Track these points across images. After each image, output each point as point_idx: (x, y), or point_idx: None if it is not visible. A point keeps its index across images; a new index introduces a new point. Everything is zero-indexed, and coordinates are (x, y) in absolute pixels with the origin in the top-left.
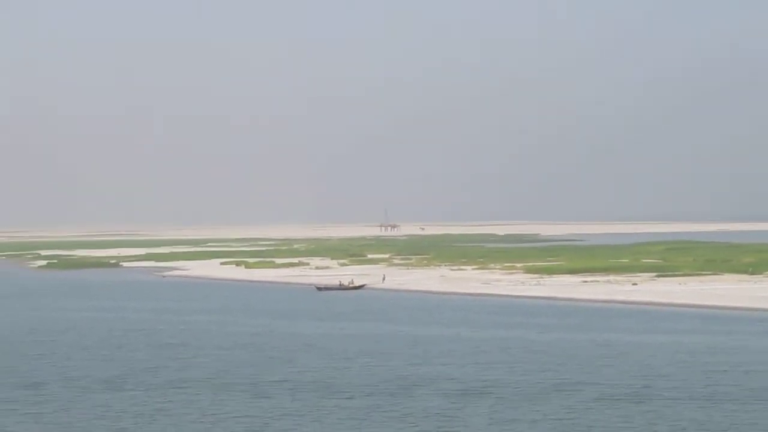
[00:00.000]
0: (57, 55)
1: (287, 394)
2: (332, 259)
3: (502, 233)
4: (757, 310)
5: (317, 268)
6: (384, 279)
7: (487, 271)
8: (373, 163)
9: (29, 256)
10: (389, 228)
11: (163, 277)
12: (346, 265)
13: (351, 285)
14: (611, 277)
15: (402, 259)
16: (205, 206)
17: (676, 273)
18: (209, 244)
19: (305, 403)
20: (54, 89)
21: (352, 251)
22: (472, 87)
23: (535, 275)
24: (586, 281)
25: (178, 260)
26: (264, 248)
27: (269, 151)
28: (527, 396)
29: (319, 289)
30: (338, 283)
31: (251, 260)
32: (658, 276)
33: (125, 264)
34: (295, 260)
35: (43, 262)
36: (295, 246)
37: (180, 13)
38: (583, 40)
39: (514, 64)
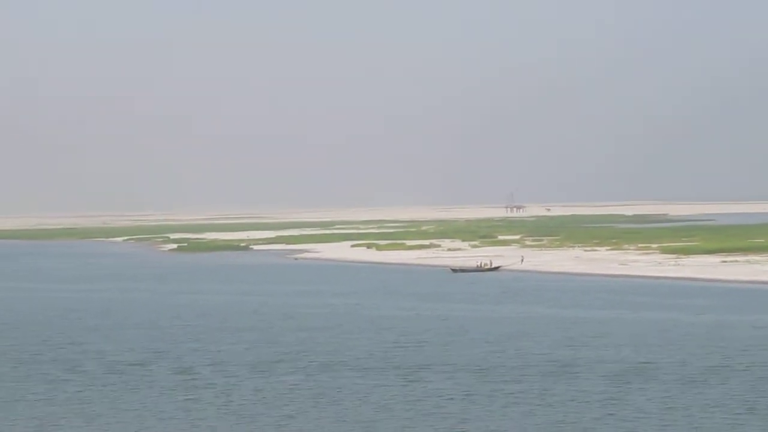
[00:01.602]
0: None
1: (444, 378)
2: (463, 240)
3: (630, 213)
4: None
5: (449, 249)
6: (522, 260)
7: (621, 251)
8: (496, 145)
9: (158, 239)
10: (515, 209)
11: (296, 259)
12: (478, 246)
13: (486, 266)
14: (750, 257)
15: (533, 240)
16: (328, 189)
17: None
18: (336, 226)
19: (465, 387)
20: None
21: (482, 232)
22: (588, 68)
23: (672, 256)
24: (725, 261)
25: (307, 243)
26: (392, 230)
27: (392, 134)
28: (695, 379)
29: (454, 270)
30: (477, 264)
31: (382, 242)
32: None
33: (256, 247)
34: (426, 242)
35: (174, 246)
36: (424, 228)
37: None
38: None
39: (624, 42)
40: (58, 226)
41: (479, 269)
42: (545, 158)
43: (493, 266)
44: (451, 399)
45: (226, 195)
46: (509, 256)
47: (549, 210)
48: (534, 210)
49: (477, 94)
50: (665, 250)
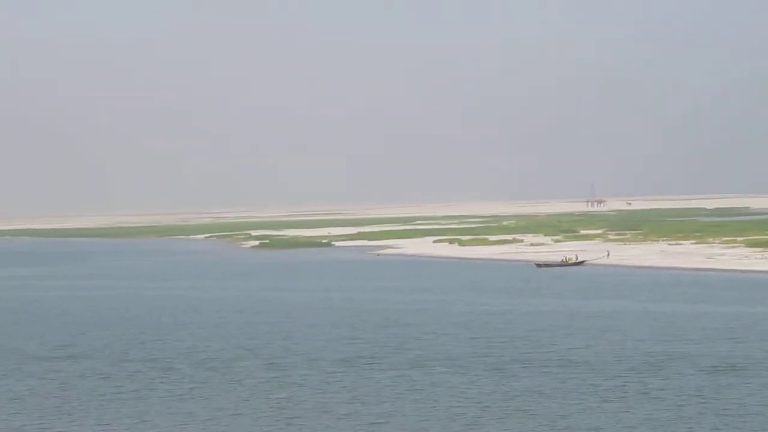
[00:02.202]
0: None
1: (539, 374)
2: (545, 235)
3: (711, 206)
4: None
5: (532, 244)
6: (608, 255)
7: (706, 245)
8: (575, 140)
9: (240, 236)
10: (596, 203)
11: (378, 255)
12: (560, 241)
13: (571, 261)
14: None
15: (616, 234)
16: (409, 184)
17: None
18: (417, 222)
19: (560, 383)
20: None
21: (564, 227)
22: (663, 62)
23: (759, 249)
24: None
25: (389, 238)
26: (473, 225)
27: (468, 129)
28: None
29: (539, 265)
30: (562, 259)
31: (464, 237)
32: None
33: (337, 243)
34: (509, 237)
35: (256, 243)
36: (504, 223)
37: None
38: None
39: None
40: (140, 224)
41: (564, 264)
42: (624, 152)
43: (578, 261)
44: (549, 395)
45: (307, 192)
46: (593, 251)
47: (629, 204)
48: (614, 204)
49: (554, 90)
50: (751, 244)
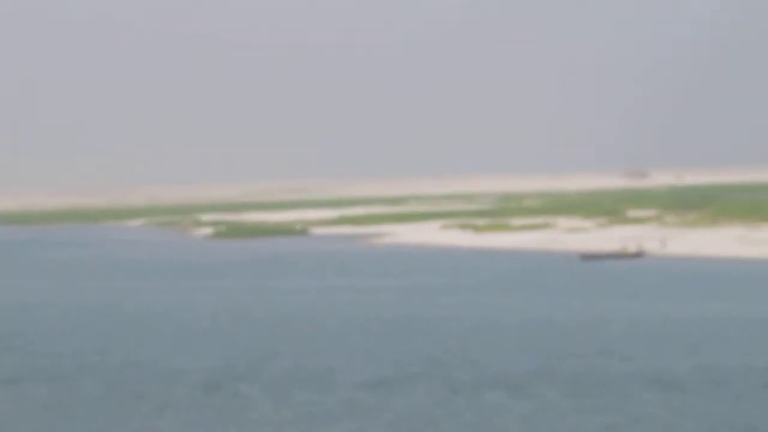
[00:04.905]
0: None
1: (638, 399)
2: (584, 218)
3: None
4: None
5: (569, 230)
6: (664, 244)
7: None
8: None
9: (188, 222)
10: (637, 176)
11: (372, 245)
12: (605, 225)
13: (629, 252)
14: None
15: (676, 216)
16: (394, 155)
17: None
18: (411, 202)
19: (671, 411)
20: None
21: (606, 208)
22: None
23: None
24: None
25: (381, 223)
26: (486, 206)
27: (479, 91)
28: None
29: (585, 258)
30: (621, 249)
31: (479, 222)
32: None
33: (315, 230)
34: (537, 221)
35: (209, 230)
36: (526, 202)
37: None
38: None
39: None
40: (56, 207)
41: (618, 255)
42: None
43: (639, 251)
44: (659, 427)
45: (264, 165)
46: (649, 238)
47: (680, 177)
48: (660, 178)
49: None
50: None
